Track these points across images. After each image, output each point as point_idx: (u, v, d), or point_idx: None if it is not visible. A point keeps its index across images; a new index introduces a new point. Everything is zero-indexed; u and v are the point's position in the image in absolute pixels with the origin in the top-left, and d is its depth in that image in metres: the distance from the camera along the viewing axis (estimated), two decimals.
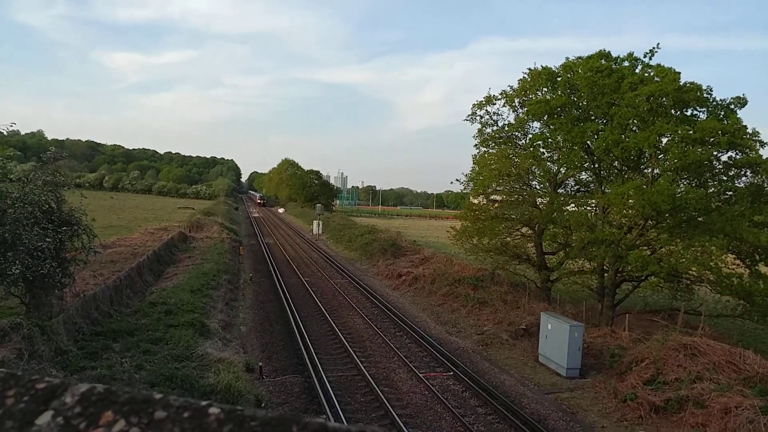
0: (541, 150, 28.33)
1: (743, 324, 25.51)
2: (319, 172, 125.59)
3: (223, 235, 48.99)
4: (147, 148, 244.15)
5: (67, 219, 16.62)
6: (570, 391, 17.32)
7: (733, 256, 22.53)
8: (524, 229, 30.86)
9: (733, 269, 22.13)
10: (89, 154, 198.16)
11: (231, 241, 47.42)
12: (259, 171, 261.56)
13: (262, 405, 14.71)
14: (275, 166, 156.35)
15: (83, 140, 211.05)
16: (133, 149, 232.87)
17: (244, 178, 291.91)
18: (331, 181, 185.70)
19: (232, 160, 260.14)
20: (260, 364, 17.73)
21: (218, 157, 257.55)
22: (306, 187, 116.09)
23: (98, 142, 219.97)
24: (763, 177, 22.22)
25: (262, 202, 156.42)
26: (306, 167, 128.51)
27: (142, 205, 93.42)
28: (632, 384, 16.49)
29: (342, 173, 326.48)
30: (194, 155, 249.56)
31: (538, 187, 30.10)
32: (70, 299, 18.27)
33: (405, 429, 13.57)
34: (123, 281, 22.47)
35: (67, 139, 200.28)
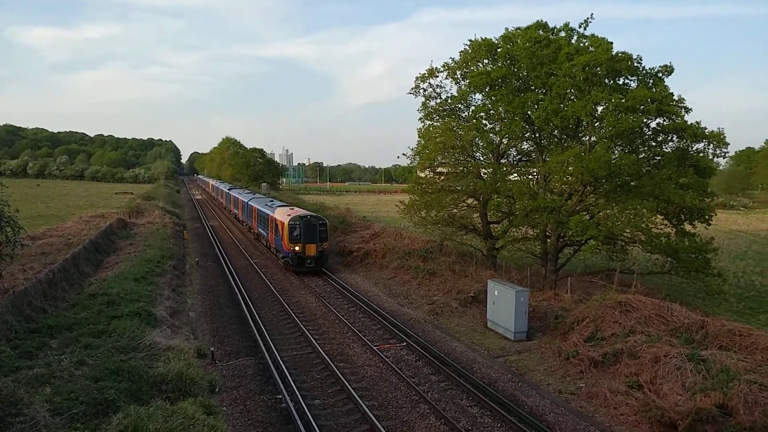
0: (484, 122, 28.78)
1: (671, 279, 27.39)
2: (262, 150, 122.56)
3: (165, 220, 47.41)
4: (75, 131, 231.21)
5: None
6: (518, 354, 18.09)
7: (662, 216, 23.96)
8: (470, 200, 31.51)
9: (662, 229, 23.59)
10: (8, 139, 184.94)
11: (174, 226, 45.96)
12: (200, 151, 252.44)
13: (216, 390, 14.53)
14: (216, 146, 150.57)
15: (0, 125, 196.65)
16: (59, 132, 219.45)
17: (184, 160, 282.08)
18: (276, 158, 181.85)
19: (170, 141, 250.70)
20: (212, 349, 17.49)
21: (156, 138, 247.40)
22: (250, 166, 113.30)
23: (18, 126, 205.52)
24: (688, 141, 23.57)
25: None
26: (249, 146, 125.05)
27: (74, 192, 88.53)
28: (574, 342, 17.41)
29: (287, 150, 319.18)
30: (129, 137, 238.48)
31: (481, 158, 30.67)
32: None
33: (361, 402, 13.79)
34: (57, 274, 21.32)
35: None
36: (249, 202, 47.03)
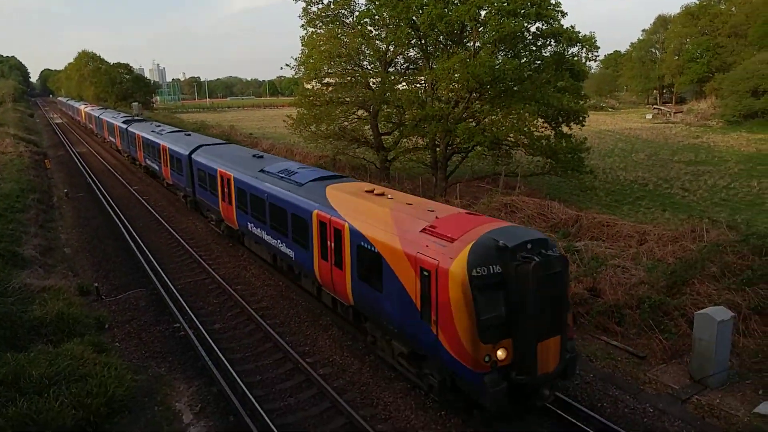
0: (369, 28, 27.83)
1: (551, 179, 29.77)
2: (128, 65, 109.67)
3: (20, 149, 41.63)
4: None
5: None
6: None
7: (542, 120, 25.44)
8: (360, 112, 31.05)
9: (543, 132, 25.15)
10: None
11: (32, 155, 40.64)
12: (54, 68, 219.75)
13: (106, 326, 13.67)
14: (72, 61, 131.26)
15: None
16: None
17: (34, 79, 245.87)
18: (146, 74, 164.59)
19: (14, 57, 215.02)
20: (96, 284, 16.29)
21: None
22: (116, 84, 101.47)
23: None
24: (564, 45, 24.68)
25: None
26: (112, 61, 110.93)
27: None
28: None
29: (158, 65, 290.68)
30: None
31: (369, 67, 29.95)
32: None
33: (263, 321, 13.75)
34: None
35: None
36: (194, 157, 21.99)
